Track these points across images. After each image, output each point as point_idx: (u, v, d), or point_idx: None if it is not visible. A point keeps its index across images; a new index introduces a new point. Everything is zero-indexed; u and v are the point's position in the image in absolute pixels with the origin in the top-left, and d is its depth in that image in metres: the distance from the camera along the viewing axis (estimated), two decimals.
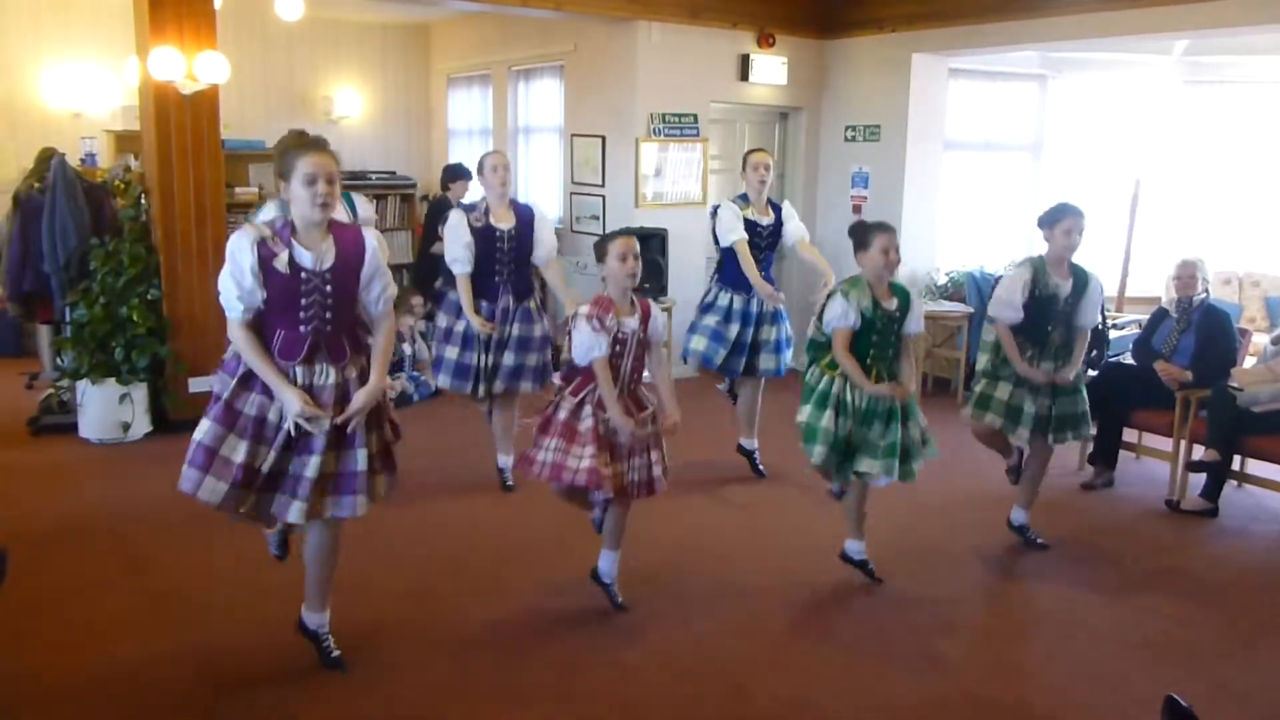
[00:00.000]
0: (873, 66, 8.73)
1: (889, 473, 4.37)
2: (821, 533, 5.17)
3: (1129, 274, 8.86)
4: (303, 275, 3.38)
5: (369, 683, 3.72)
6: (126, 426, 6.46)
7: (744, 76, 8.68)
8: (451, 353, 5.58)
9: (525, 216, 5.56)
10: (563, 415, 4.05)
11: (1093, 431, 5.15)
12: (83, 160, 8.63)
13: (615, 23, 8.21)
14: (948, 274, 8.81)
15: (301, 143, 3.42)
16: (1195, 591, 4.77)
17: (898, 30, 8.43)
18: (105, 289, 6.43)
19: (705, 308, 6.06)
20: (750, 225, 5.89)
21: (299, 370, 3.42)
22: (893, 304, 4.41)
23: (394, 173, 10.81)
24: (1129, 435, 6.36)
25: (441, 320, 5.69)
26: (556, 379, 4.20)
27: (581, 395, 4.03)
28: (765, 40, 8.69)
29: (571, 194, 9.03)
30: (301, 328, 3.41)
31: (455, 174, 8.21)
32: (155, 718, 3.52)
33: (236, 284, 3.36)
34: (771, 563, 4.91)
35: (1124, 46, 8.51)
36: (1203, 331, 6.02)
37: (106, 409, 6.41)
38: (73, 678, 3.72)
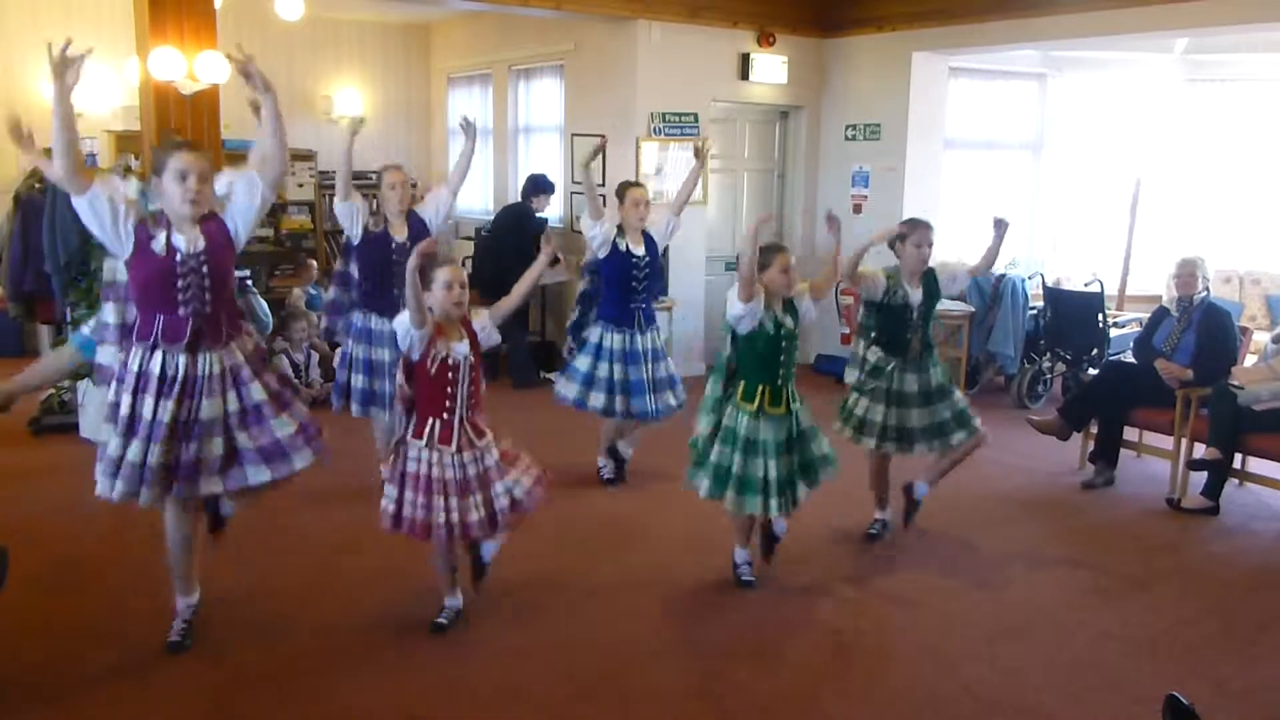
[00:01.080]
0: (873, 65, 8.73)
1: (783, 508, 4.39)
2: (819, 527, 5.18)
3: (1129, 272, 8.87)
4: (178, 257, 3.51)
5: (382, 677, 3.73)
6: None
7: (744, 75, 8.68)
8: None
9: (416, 226, 5.44)
10: (419, 465, 3.91)
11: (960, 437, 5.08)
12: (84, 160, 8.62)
13: (615, 22, 8.21)
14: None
15: (173, 143, 3.62)
16: (1196, 590, 4.77)
17: (898, 29, 8.43)
18: None
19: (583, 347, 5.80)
20: (624, 258, 5.63)
21: (182, 359, 3.55)
22: (789, 320, 4.38)
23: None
24: (1130, 434, 6.35)
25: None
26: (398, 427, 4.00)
27: (424, 435, 3.88)
28: (765, 39, 8.69)
29: (572, 194, 9.02)
30: (180, 310, 3.54)
31: (540, 187, 8.26)
32: (161, 714, 3.52)
33: (98, 224, 3.47)
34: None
35: (1124, 45, 8.52)
36: (1203, 330, 6.02)
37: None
38: (76, 676, 3.72)
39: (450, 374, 3.87)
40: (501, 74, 10.02)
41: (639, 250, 5.67)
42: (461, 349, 3.90)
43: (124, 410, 3.58)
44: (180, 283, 3.51)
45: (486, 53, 10.17)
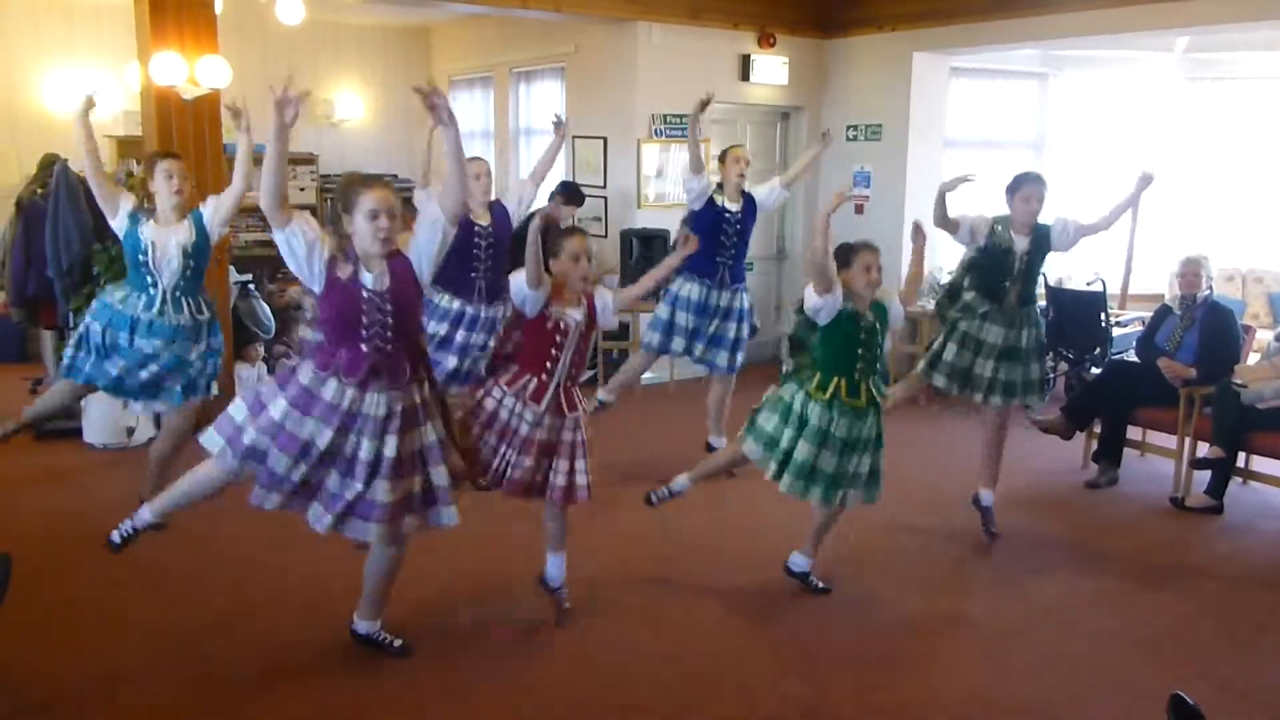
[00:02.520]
0: (874, 66, 8.73)
1: (844, 503, 4.37)
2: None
3: (1132, 271, 8.86)
4: (364, 294, 3.47)
5: (377, 689, 3.73)
6: (131, 431, 6.46)
7: (745, 77, 8.68)
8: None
9: (500, 215, 5.79)
10: (489, 405, 4.01)
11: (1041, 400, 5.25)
12: None
13: (615, 24, 8.21)
14: (950, 272, 8.79)
15: (363, 179, 3.53)
16: (1200, 589, 4.76)
17: (898, 29, 8.43)
18: None
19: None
20: (719, 213, 5.90)
21: (350, 393, 3.48)
22: (870, 318, 4.33)
23: (395, 175, 10.80)
24: (1133, 433, 6.35)
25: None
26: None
27: (515, 387, 3.97)
28: (766, 40, 8.69)
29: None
30: (364, 346, 3.49)
31: (571, 196, 8.08)
32: None
33: (292, 256, 3.46)
34: (761, 561, 4.91)
35: (1125, 44, 8.51)
36: (1206, 328, 6.02)
37: (110, 414, 6.42)
38: (77, 683, 3.72)
39: (558, 336, 3.96)
40: (502, 76, 10.02)
41: (734, 207, 5.93)
42: (575, 315, 3.98)
43: (284, 423, 3.51)
44: (365, 319, 3.48)
45: (487, 55, 10.18)
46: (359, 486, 3.53)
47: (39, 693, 3.65)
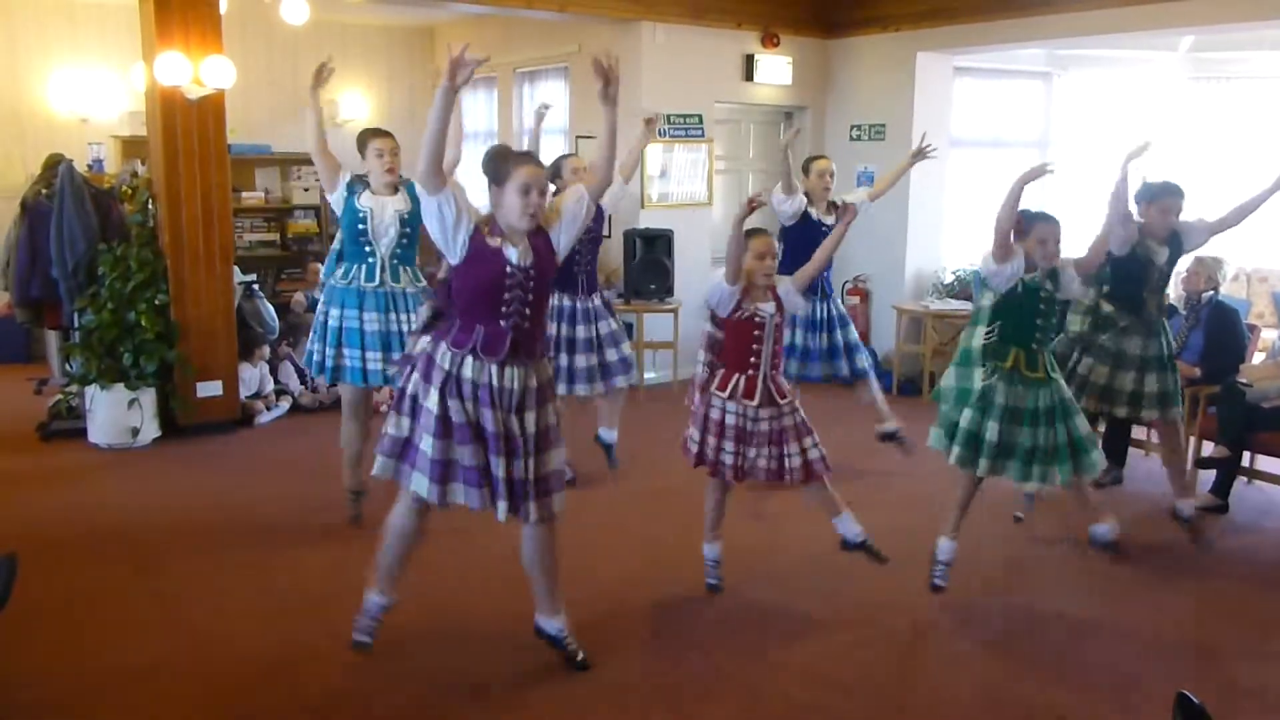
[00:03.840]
0: (877, 65, 8.72)
1: (1044, 479, 4.37)
2: (819, 536, 5.17)
3: None
4: (509, 269, 3.46)
5: (383, 687, 3.73)
6: (135, 431, 6.48)
7: (749, 76, 8.67)
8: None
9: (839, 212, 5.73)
10: (715, 415, 4.23)
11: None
12: (90, 166, 8.66)
13: (619, 24, 8.21)
14: (954, 272, 8.80)
15: (516, 155, 3.55)
16: (1206, 588, 4.75)
17: (902, 29, 8.42)
18: (113, 294, 6.45)
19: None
20: (813, 225, 5.94)
21: (493, 370, 3.46)
22: (1049, 284, 4.37)
23: (401, 176, 10.82)
24: (1138, 432, 6.34)
25: None
26: (700, 368, 4.33)
27: (728, 389, 4.19)
28: (769, 40, 8.69)
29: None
30: (503, 322, 3.47)
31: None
32: None
33: (438, 222, 3.45)
34: (771, 566, 4.91)
35: (1130, 43, 8.50)
36: (1211, 328, 6.01)
37: (115, 414, 6.43)
38: (82, 682, 3.73)
39: (756, 331, 4.17)
40: (506, 76, 10.03)
41: (829, 219, 5.94)
42: (768, 309, 4.19)
43: (433, 408, 3.48)
44: (507, 295, 3.47)
45: (491, 55, 10.15)
46: (516, 463, 3.52)
47: (42, 692, 3.65)
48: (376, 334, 4.96)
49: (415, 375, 3.55)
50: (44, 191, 7.19)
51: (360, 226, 4.95)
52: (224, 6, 6.69)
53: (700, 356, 4.35)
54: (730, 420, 4.19)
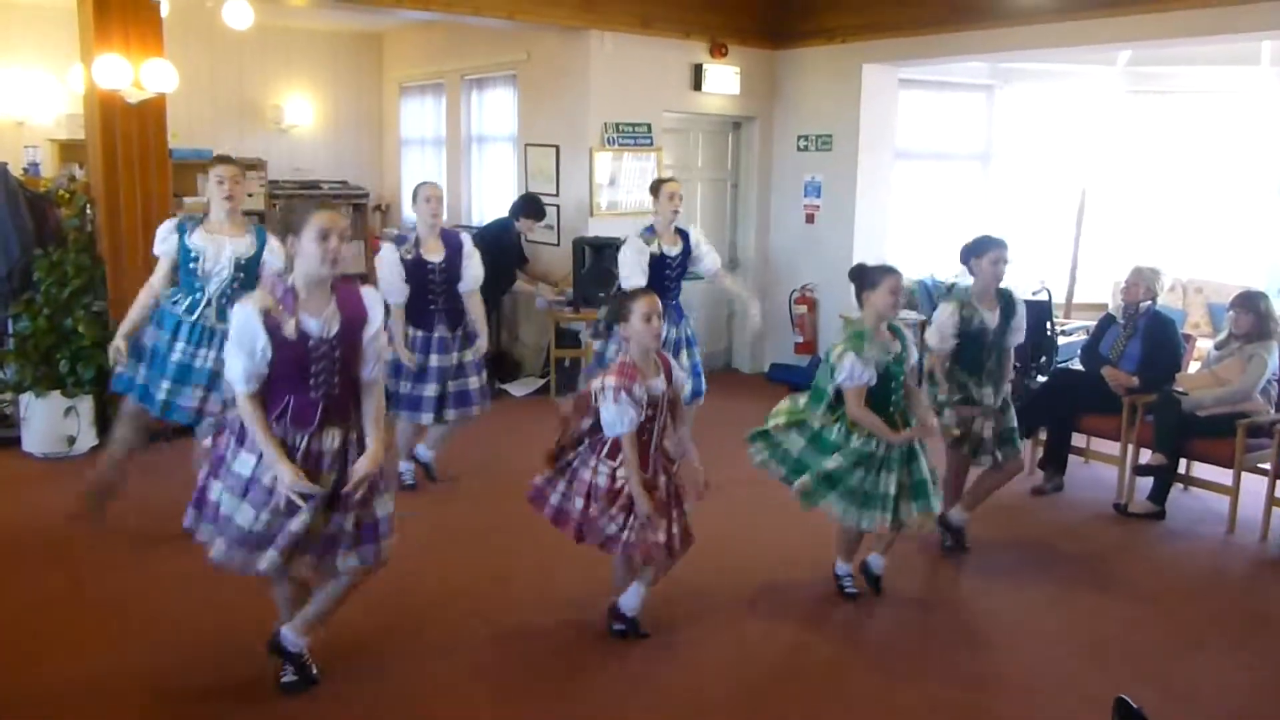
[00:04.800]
0: (824, 76, 8.80)
1: (923, 511, 4.41)
2: (784, 543, 5.20)
3: (1076, 281, 9.00)
4: (310, 344, 3.32)
5: (327, 695, 3.68)
6: (72, 440, 6.34)
7: (697, 86, 8.71)
8: (404, 387, 5.64)
9: (454, 246, 5.61)
10: (602, 481, 3.93)
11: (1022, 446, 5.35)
12: (26, 169, 8.47)
13: (568, 32, 8.21)
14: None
15: (312, 204, 3.44)
16: (1143, 593, 4.84)
17: (848, 41, 8.50)
18: (49, 300, 6.31)
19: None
20: (659, 260, 5.77)
21: (310, 439, 3.38)
22: (896, 345, 4.41)
23: (345, 182, 10.73)
24: (1078, 440, 6.44)
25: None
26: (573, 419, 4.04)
27: (618, 462, 3.91)
28: (718, 50, 8.73)
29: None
30: (312, 394, 3.36)
31: (531, 210, 8.01)
32: None
33: (248, 357, 3.29)
34: (722, 574, 4.92)
35: (1069, 57, 8.67)
36: (1148, 337, 6.12)
37: (51, 422, 6.29)
38: (25, 695, 3.65)
39: (650, 410, 3.89)
40: (454, 83, 9.98)
41: (674, 250, 5.85)
42: (659, 385, 3.93)
43: (249, 475, 3.39)
44: (314, 368, 3.35)
45: (439, 62, 10.12)
46: (335, 517, 3.44)
47: None
48: (177, 364, 4.87)
49: (230, 441, 3.46)
50: None
51: (191, 265, 4.85)
52: (165, 9, 6.58)
53: (567, 404, 4.11)
54: (606, 483, 3.92)
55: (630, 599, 4.16)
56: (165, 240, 4.92)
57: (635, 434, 3.85)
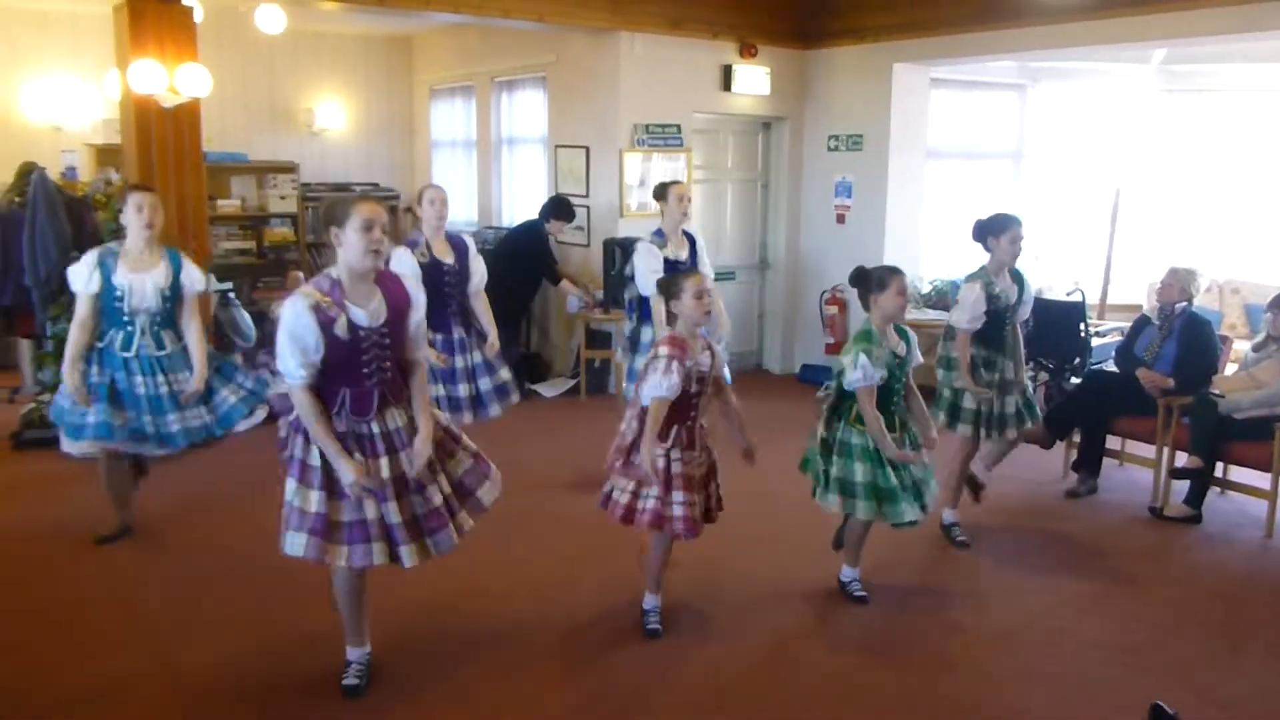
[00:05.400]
0: (854, 76, 8.77)
1: (917, 514, 4.42)
2: (802, 543, 5.19)
3: (1110, 281, 8.91)
4: (361, 334, 3.42)
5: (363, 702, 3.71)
6: None
7: (726, 86, 8.70)
8: (439, 390, 5.62)
9: (460, 248, 5.61)
10: (659, 464, 4.06)
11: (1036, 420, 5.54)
12: (63, 174, 8.57)
13: (597, 33, 8.22)
14: (931, 282, 8.84)
15: (353, 196, 3.58)
16: (1179, 598, 4.79)
17: (879, 40, 8.46)
18: None
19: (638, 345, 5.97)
20: (669, 265, 5.70)
21: (374, 424, 3.50)
22: (901, 347, 4.47)
23: (377, 184, 10.79)
24: (1112, 442, 6.38)
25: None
26: (630, 422, 4.15)
27: (669, 441, 4.06)
28: (747, 50, 8.71)
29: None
30: (367, 383, 3.47)
31: (561, 211, 8.00)
32: None
33: (300, 352, 3.36)
34: (746, 576, 4.91)
35: (1102, 55, 8.58)
36: (1184, 339, 6.05)
37: None
38: (57, 695, 3.69)
39: (696, 385, 4.07)
40: (484, 86, 10.02)
41: (683, 253, 5.86)
42: (705, 360, 4.11)
43: (318, 464, 3.49)
44: (365, 358, 3.46)
45: (469, 64, 10.17)
46: (414, 499, 3.57)
47: (16, 704, 3.61)
48: (149, 398, 4.90)
49: (293, 436, 3.54)
50: (16, 200, 7.13)
51: (117, 304, 4.86)
52: (199, 15, 6.65)
53: (628, 424, 4.17)
54: (676, 468, 4.08)
55: (651, 606, 4.33)
56: (90, 280, 4.85)
57: (669, 404, 3.98)
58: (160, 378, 4.91)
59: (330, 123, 10.70)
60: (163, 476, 6.16)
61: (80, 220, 7.00)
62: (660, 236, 5.84)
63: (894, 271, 4.42)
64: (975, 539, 5.39)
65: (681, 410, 4.06)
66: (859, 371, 4.28)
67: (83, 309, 4.89)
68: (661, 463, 4.06)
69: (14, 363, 8.44)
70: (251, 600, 4.49)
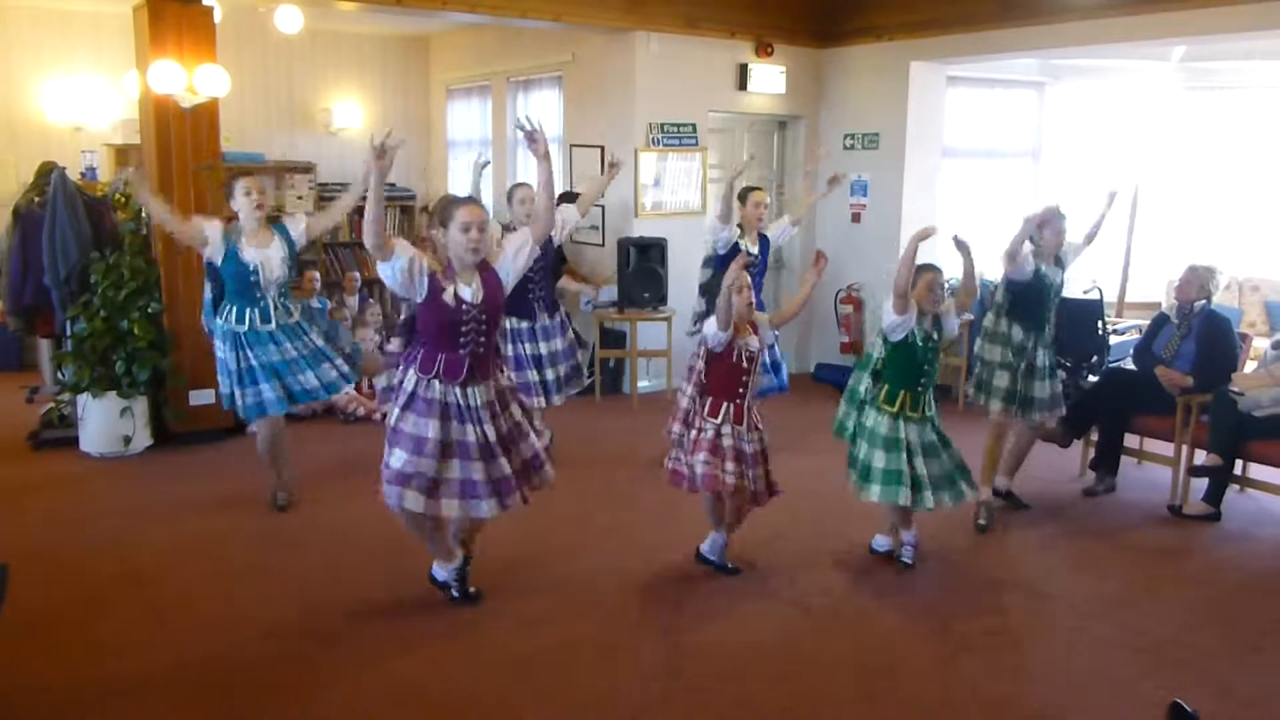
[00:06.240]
0: (871, 75, 8.75)
1: (954, 499, 4.81)
2: (831, 537, 5.18)
3: (1129, 279, 8.87)
4: (464, 307, 3.97)
5: (382, 689, 3.72)
6: (128, 440, 6.46)
7: (742, 86, 8.69)
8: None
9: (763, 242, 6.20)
10: (708, 436, 4.51)
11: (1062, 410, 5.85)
12: (83, 174, 8.64)
13: (613, 33, 8.23)
14: (948, 281, 8.81)
15: (459, 199, 4.18)
16: (1199, 597, 4.76)
17: (895, 39, 8.44)
18: (106, 302, 6.43)
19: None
20: (736, 252, 6.01)
21: (457, 391, 4.01)
22: (935, 333, 4.83)
23: (393, 185, 10.80)
24: (1130, 440, 6.35)
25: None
26: (685, 400, 4.65)
27: (720, 416, 4.52)
28: (763, 49, 8.71)
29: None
30: (461, 351, 4.00)
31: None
32: None
33: (410, 262, 3.91)
34: (774, 567, 4.91)
35: (1122, 53, 8.53)
36: (1203, 337, 6.02)
37: (107, 423, 6.42)
38: (75, 693, 3.71)
39: (746, 364, 4.55)
40: (500, 85, 10.04)
41: (754, 249, 6.20)
42: (753, 343, 4.60)
43: (404, 428, 4.01)
44: (464, 328, 3.98)
45: (485, 64, 10.19)
46: (494, 464, 4.04)
47: (33, 703, 3.64)
48: (288, 361, 5.32)
49: (394, 409, 4.07)
50: (37, 199, 7.18)
51: (252, 279, 5.23)
52: (218, 15, 6.69)
53: (686, 389, 4.67)
54: (727, 442, 4.50)
55: (709, 545, 4.80)
56: (216, 248, 5.21)
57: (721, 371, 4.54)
58: (298, 342, 5.35)
59: (348, 122, 10.74)
60: (184, 476, 6.20)
61: (100, 220, 7.05)
62: (739, 229, 6.22)
63: (927, 268, 4.79)
64: (993, 537, 5.38)
65: (730, 386, 4.53)
66: (888, 319, 4.72)
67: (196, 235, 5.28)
68: (710, 433, 4.49)
69: (34, 362, 8.51)
70: (270, 597, 4.51)
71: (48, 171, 7.19)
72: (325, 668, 3.89)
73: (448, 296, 3.96)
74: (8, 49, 9.00)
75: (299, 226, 5.45)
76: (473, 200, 4.06)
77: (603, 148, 8.56)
